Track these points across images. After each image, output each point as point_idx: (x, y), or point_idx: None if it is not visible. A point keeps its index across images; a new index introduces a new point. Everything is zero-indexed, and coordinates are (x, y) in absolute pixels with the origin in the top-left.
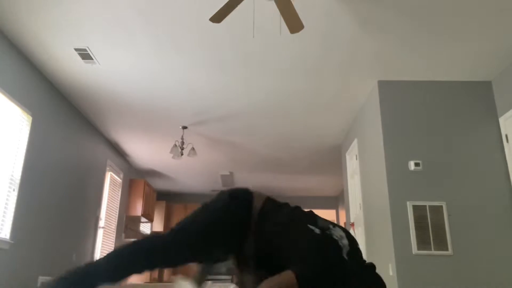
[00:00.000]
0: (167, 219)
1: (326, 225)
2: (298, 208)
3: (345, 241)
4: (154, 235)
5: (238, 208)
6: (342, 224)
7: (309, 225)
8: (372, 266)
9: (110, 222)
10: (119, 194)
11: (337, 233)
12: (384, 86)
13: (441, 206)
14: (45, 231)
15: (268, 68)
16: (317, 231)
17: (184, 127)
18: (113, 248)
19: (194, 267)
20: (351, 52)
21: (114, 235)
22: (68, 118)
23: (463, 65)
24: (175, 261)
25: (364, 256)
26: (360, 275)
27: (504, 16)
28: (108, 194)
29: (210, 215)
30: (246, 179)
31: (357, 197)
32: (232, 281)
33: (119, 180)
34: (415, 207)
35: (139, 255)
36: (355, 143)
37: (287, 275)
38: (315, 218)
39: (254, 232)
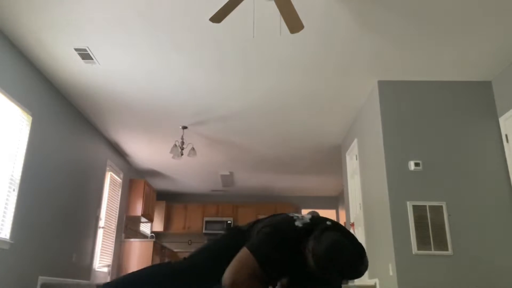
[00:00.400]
0: (167, 219)
1: (291, 213)
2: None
3: (303, 217)
4: (170, 261)
5: (236, 233)
6: (342, 223)
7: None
8: (325, 229)
9: (110, 222)
10: (119, 194)
11: (299, 214)
12: (384, 86)
13: (441, 206)
14: (45, 231)
15: (268, 68)
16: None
17: (184, 127)
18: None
19: None
20: (351, 52)
21: (114, 235)
22: (68, 118)
23: (463, 65)
24: (193, 283)
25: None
26: (313, 238)
27: (504, 16)
28: (108, 194)
29: (218, 240)
30: (246, 179)
31: (357, 197)
32: None
33: (119, 180)
34: (415, 207)
35: (159, 280)
36: (355, 143)
37: (242, 252)
38: (282, 213)
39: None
